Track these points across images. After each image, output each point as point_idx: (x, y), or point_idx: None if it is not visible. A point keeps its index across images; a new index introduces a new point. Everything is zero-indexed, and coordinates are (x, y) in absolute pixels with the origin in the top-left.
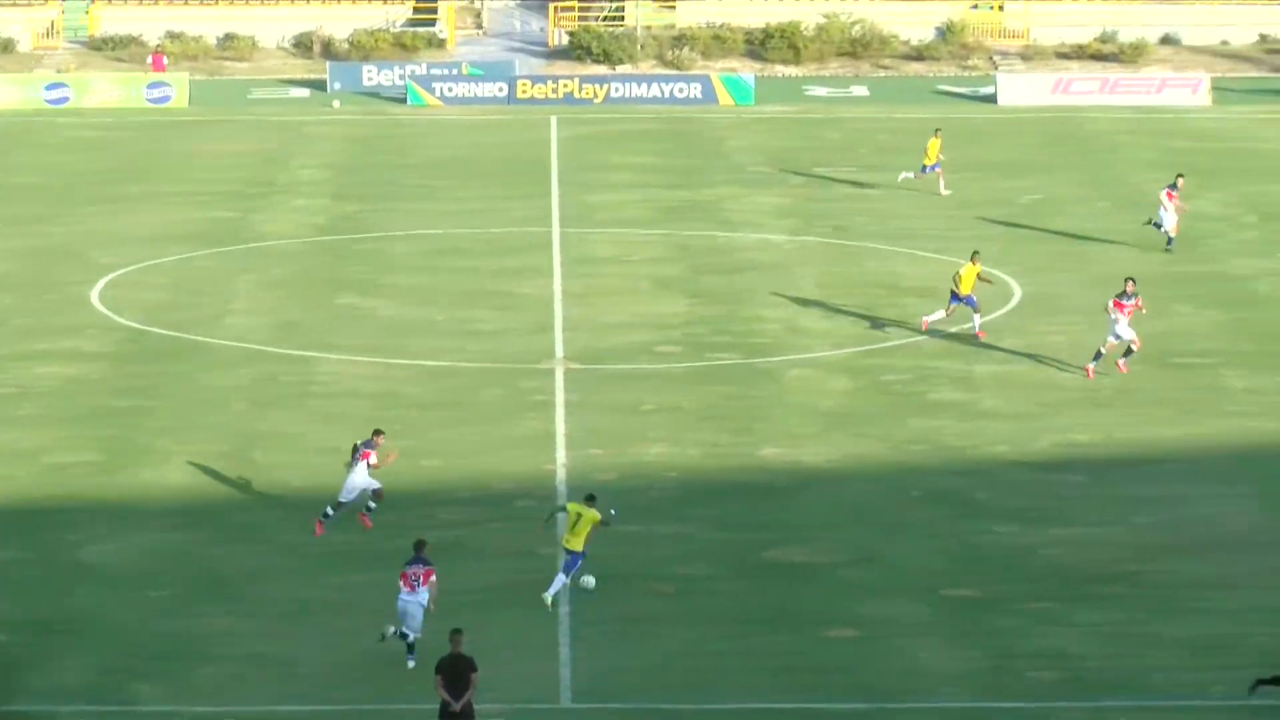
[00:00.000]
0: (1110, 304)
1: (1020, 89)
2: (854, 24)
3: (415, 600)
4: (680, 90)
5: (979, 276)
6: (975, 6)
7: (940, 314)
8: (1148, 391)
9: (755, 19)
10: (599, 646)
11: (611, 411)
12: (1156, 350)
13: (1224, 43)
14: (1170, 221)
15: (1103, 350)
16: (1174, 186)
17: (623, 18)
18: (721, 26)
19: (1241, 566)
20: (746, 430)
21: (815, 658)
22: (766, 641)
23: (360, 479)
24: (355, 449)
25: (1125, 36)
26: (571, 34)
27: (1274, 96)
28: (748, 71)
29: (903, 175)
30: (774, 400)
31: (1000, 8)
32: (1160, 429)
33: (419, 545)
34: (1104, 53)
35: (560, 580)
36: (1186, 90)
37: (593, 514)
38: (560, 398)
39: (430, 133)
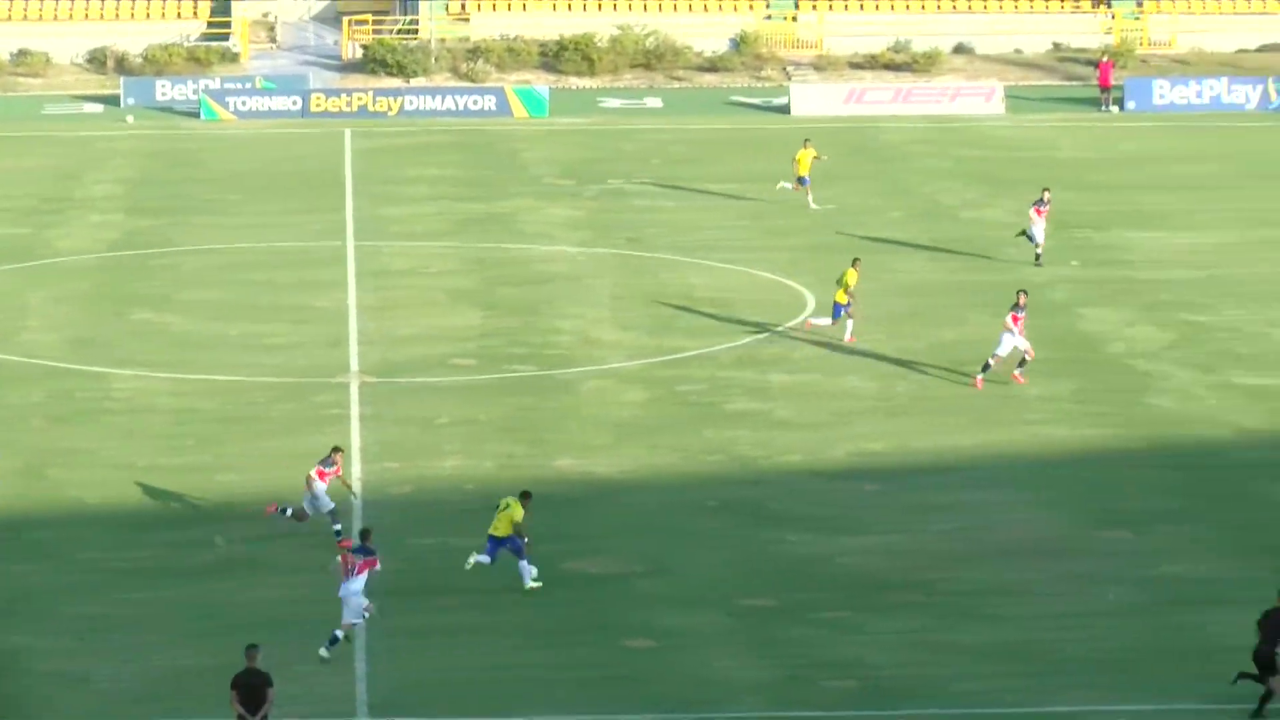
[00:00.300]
0: (1009, 318)
1: (814, 99)
2: (648, 36)
3: (350, 589)
4: (474, 103)
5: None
6: (769, 17)
7: (848, 325)
8: (941, 400)
9: (549, 31)
10: (395, 660)
11: (407, 425)
12: (950, 358)
13: (1017, 51)
14: (1039, 235)
15: (991, 361)
16: (1041, 201)
17: (416, 30)
18: (515, 39)
19: (1035, 573)
20: (542, 442)
21: (613, 669)
22: (564, 653)
23: (320, 495)
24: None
25: (918, 46)
26: (365, 47)
27: (1067, 105)
28: (542, 84)
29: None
30: (569, 412)
31: (793, 18)
32: (954, 437)
33: (364, 534)
34: (897, 62)
35: (484, 559)
36: (980, 99)
37: (518, 509)
38: (355, 411)
39: (224, 147)
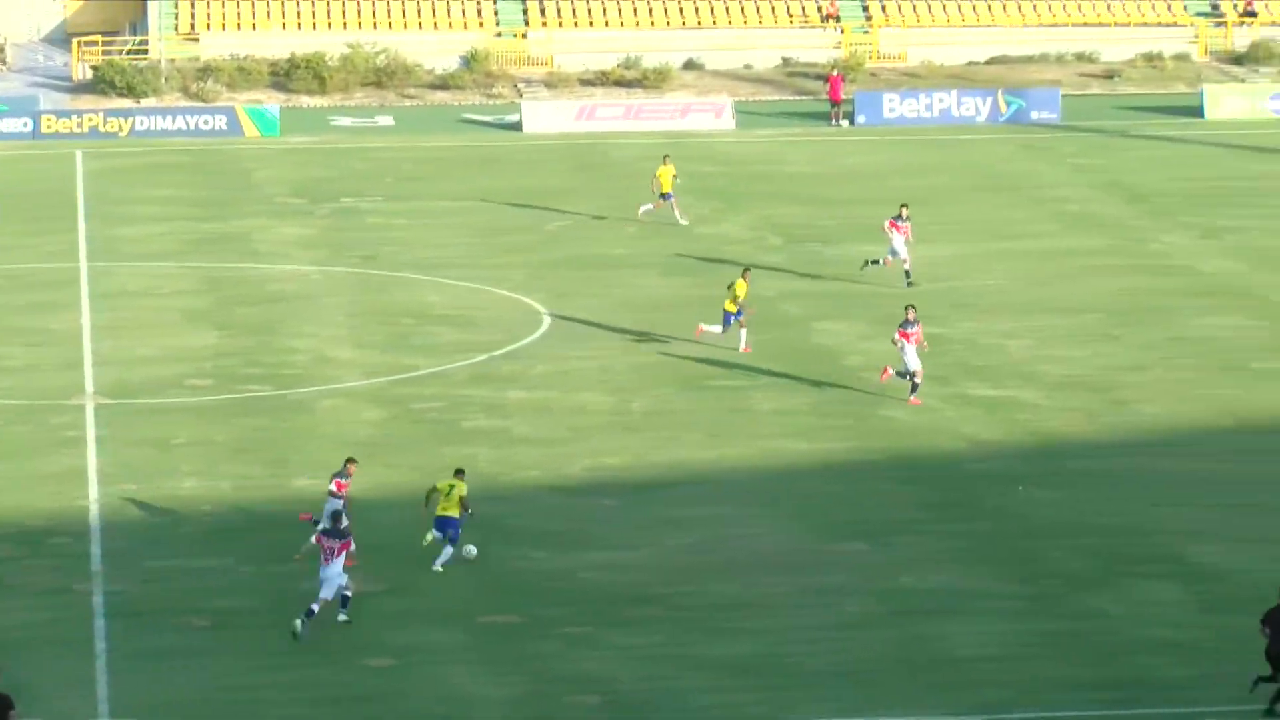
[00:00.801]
0: (896, 334)
1: (545, 116)
2: (378, 54)
3: (333, 570)
4: (205, 122)
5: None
6: (499, 35)
7: (741, 332)
8: (678, 414)
9: (280, 50)
10: (138, 681)
11: (143, 446)
12: (686, 373)
13: (747, 66)
14: (903, 251)
15: (916, 380)
16: (899, 217)
17: (147, 51)
18: (246, 58)
19: (774, 586)
20: (280, 462)
21: (355, 688)
22: (306, 672)
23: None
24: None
25: (649, 62)
26: (95, 68)
27: (797, 119)
28: (273, 103)
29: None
30: (306, 431)
31: (523, 36)
32: (691, 451)
33: (335, 517)
34: (628, 79)
35: (449, 549)
36: (710, 114)
37: (462, 486)
38: (91, 433)
39: None
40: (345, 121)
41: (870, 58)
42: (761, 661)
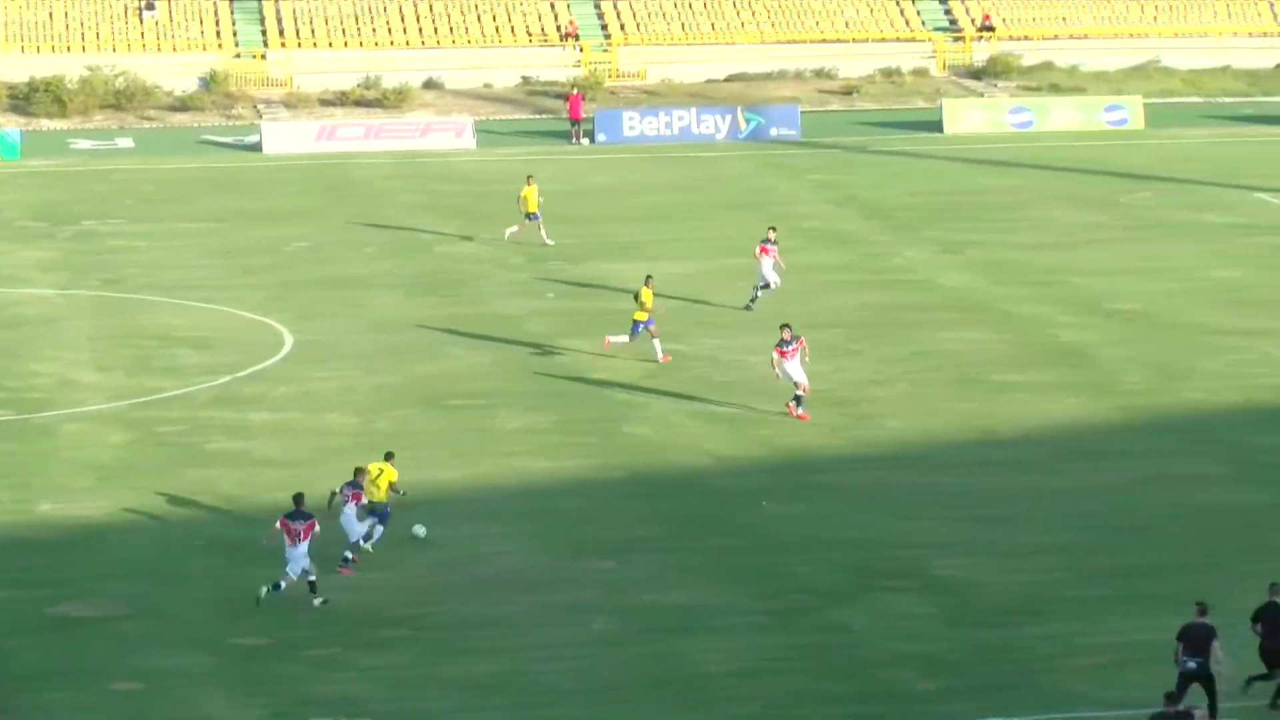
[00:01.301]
0: (774, 355)
1: (285, 137)
2: (117, 76)
3: (300, 551)
4: None
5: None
6: (238, 56)
7: (655, 342)
8: (423, 434)
9: (19, 73)
10: None
11: None
12: (430, 392)
13: (487, 85)
14: (772, 275)
15: (800, 393)
16: (767, 240)
17: None
18: None
19: (520, 605)
20: (23, 486)
21: (101, 713)
22: (52, 697)
23: (355, 520)
24: (335, 493)
25: (388, 82)
26: None
27: (537, 138)
28: (13, 126)
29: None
30: (50, 455)
31: (262, 57)
32: (436, 471)
33: (298, 499)
34: (368, 99)
35: (380, 529)
36: (450, 134)
37: (391, 471)
38: None
39: None
40: (85, 144)
41: (610, 76)
42: (509, 680)
